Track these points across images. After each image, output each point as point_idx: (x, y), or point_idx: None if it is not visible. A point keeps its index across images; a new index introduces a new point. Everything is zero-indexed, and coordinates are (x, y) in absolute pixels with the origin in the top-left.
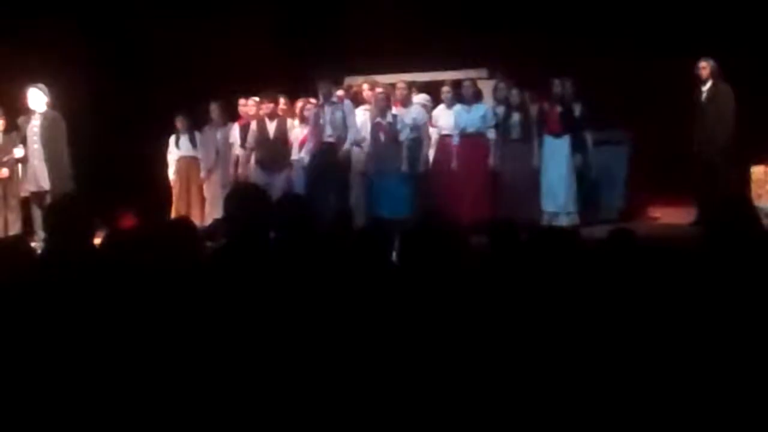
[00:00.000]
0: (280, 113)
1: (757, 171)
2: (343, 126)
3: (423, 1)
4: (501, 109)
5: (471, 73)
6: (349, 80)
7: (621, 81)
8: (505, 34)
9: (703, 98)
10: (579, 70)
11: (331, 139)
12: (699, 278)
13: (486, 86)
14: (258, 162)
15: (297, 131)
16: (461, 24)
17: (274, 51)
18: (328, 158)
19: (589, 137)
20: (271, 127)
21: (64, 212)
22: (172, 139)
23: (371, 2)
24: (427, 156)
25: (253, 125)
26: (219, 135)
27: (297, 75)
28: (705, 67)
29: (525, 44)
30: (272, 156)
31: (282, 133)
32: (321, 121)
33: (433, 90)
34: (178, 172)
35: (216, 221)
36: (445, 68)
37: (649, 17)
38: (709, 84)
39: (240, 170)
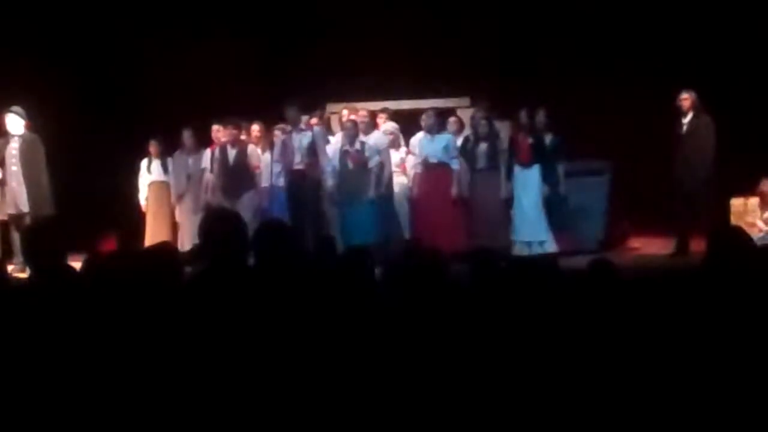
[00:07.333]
0: (254, 140)
1: (736, 203)
2: (312, 153)
3: (407, 28)
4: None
5: (453, 102)
6: (331, 107)
7: (602, 111)
8: (487, 62)
9: (684, 129)
10: (560, 99)
11: (300, 167)
12: (684, 307)
13: (468, 114)
14: (220, 188)
15: (267, 157)
16: (444, 52)
17: (254, 77)
18: (300, 186)
19: (560, 168)
20: (232, 153)
21: (37, 236)
22: (143, 164)
23: (353, 29)
24: (389, 180)
25: (217, 152)
26: (191, 161)
27: (276, 101)
28: (687, 98)
29: (506, 73)
30: (232, 182)
31: (242, 160)
32: (289, 148)
33: (415, 118)
34: (149, 197)
35: (195, 246)
36: (428, 96)
37: (631, 48)
38: (690, 115)
39: (210, 195)
